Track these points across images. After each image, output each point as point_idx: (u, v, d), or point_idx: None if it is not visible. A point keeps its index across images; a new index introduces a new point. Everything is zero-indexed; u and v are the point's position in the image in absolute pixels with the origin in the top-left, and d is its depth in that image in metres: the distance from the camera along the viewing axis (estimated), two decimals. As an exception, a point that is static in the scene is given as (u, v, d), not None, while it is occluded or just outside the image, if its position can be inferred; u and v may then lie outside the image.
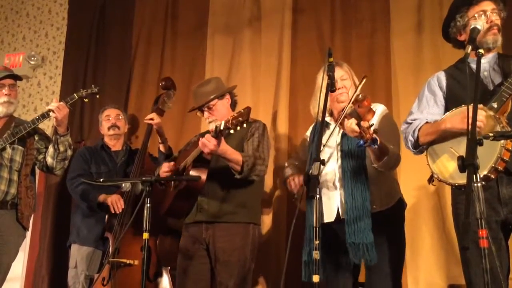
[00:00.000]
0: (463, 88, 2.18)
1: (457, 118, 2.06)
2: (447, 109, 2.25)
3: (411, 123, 2.31)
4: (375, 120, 2.34)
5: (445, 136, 2.12)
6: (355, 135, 2.11)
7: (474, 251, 1.71)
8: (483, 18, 2.21)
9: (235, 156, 2.59)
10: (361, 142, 2.05)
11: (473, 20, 2.22)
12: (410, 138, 2.28)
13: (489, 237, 1.59)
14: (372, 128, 2.04)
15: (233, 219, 2.71)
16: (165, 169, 2.80)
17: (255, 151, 2.70)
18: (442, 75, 2.36)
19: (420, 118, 2.29)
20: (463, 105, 2.08)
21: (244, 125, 2.32)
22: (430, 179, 2.22)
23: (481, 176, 1.93)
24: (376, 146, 2.09)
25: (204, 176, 2.64)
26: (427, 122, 2.26)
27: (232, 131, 2.35)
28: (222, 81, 3.03)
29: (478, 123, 1.89)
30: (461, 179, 1.90)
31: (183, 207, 2.81)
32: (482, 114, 1.94)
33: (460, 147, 2.01)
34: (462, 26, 2.30)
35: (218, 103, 2.85)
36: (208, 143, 2.46)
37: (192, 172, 2.64)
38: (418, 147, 2.28)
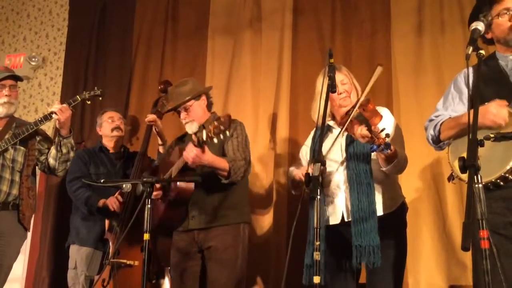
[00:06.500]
0: (488, 86, 2.12)
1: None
2: None
3: (434, 119, 2.27)
4: (390, 126, 2.32)
5: (466, 131, 2.08)
6: (366, 140, 2.09)
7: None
8: (506, 17, 2.16)
9: (222, 164, 2.61)
10: (374, 147, 2.03)
11: (496, 19, 2.17)
12: (431, 132, 2.24)
13: (490, 238, 1.58)
14: (384, 133, 2.02)
15: (225, 222, 2.72)
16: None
17: (236, 151, 2.71)
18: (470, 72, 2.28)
19: (444, 115, 2.25)
20: (486, 103, 2.02)
21: (227, 133, 2.32)
22: (450, 177, 2.18)
23: (499, 176, 1.93)
24: (390, 151, 2.07)
25: (191, 185, 2.67)
26: (449, 118, 2.22)
27: (215, 140, 2.34)
28: (197, 82, 3.04)
29: (499, 121, 1.93)
30: (485, 177, 1.83)
31: (175, 217, 2.80)
32: (503, 112, 1.94)
33: None
34: (487, 25, 2.21)
35: (195, 104, 2.85)
36: (190, 153, 2.47)
37: (180, 183, 2.66)
38: (439, 142, 2.25)
